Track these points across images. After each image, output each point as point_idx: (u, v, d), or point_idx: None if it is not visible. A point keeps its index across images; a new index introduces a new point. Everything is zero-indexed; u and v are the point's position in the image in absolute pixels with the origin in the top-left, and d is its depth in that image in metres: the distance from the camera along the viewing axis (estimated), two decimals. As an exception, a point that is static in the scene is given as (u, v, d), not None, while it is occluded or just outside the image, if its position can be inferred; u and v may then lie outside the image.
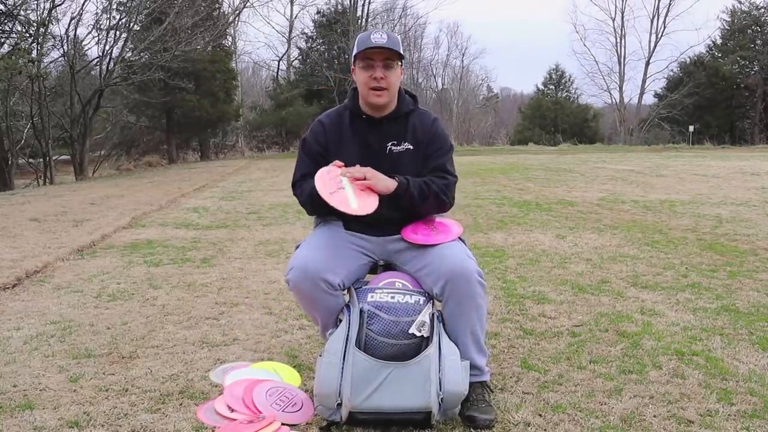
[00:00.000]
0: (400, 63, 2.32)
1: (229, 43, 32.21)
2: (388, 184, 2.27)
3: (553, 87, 40.18)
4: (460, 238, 2.37)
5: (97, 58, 20.19)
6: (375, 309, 2.17)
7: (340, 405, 2.09)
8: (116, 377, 2.59)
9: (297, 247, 2.36)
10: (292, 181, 2.46)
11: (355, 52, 2.30)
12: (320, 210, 2.36)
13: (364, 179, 2.23)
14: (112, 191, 11.28)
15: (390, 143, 2.37)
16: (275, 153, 29.89)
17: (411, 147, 2.38)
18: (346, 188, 2.23)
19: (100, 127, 24.42)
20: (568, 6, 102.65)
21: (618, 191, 9.72)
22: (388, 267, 2.41)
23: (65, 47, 19.03)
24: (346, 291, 2.30)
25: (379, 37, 2.27)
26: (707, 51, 36.18)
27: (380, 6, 48.48)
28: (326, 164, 2.33)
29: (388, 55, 2.28)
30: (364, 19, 35.41)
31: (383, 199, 2.26)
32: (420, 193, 2.30)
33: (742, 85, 34.27)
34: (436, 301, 2.28)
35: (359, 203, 2.20)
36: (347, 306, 2.24)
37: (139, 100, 23.95)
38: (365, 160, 2.33)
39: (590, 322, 3.26)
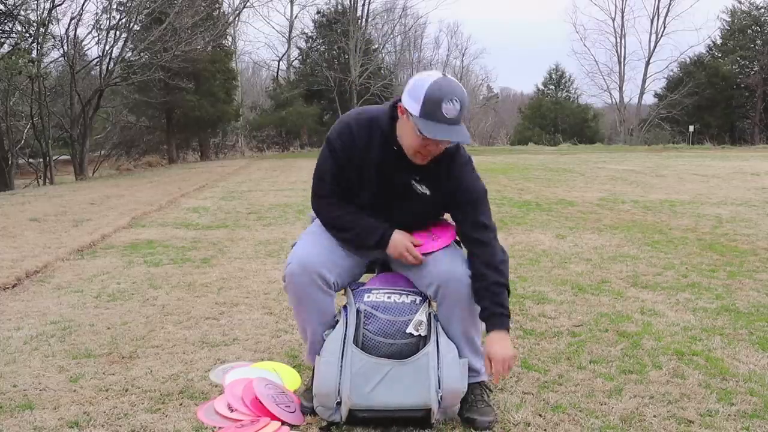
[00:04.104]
0: None
1: (229, 43, 32.22)
2: (510, 347, 2.13)
3: (553, 87, 40.18)
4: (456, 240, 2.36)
5: (97, 58, 20.20)
6: (371, 309, 2.17)
7: (339, 404, 2.09)
8: (116, 377, 2.59)
9: (293, 245, 2.32)
10: (318, 173, 2.26)
11: (416, 113, 1.99)
12: (329, 230, 2.29)
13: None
14: (112, 191, 11.28)
15: (414, 178, 2.19)
16: (275, 153, 29.91)
17: (428, 192, 2.21)
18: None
19: (100, 127, 24.44)
20: (568, 6, 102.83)
21: (618, 191, 9.72)
22: (385, 266, 2.41)
23: (65, 47, 19.04)
24: (342, 292, 2.30)
25: (452, 110, 1.96)
26: (707, 51, 36.21)
27: (380, 6, 48.54)
28: (347, 172, 2.19)
29: None
30: (364, 19, 35.42)
31: (402, 225, 2.24)
32: (507, 293, 2.18)
33: (742, 85, 34.28)
34: (432, 302, 2.27)
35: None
36: (344, 306, 2.24)
37: (139, 100, 23.97)
38: (384, 188, 2.20)
39: (590, 322, 3.26)
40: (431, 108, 1.97)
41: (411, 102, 2.01)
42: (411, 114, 2.01)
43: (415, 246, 2.23)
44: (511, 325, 2.20)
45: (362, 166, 2.19)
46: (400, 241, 2.21)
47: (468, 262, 2.21)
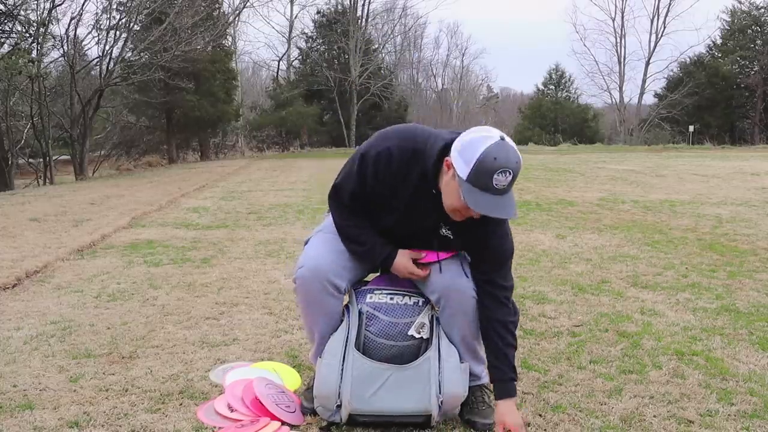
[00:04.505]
0: None
1: (229, 43, 32.22)
2: (519, 415, 2.10)
3: (553, 87, 40.20)
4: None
5: (97, 58, 20.20)
6: (374, 310, 2.17)
7: (339, 406, 2.09)
8: (116, 377, 2.59)
9: (306, 242, 2.27)
10: (339, 185, 2.14)
11: (465, 175, 1.83)
12: (341, 237, 2.22)
13: None
14: (112, 191, 11.28)
15: (444, 227, 2.10)
16: (275, 153, 29.91)
17: (451, 237, 2.11)
18: None
19: (100, 127, 24.42)
20: (568, 6, 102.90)
21: (618, 191, 9.72)
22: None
23: (65, 47, 19.04)
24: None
25: (503, 180, 1.82)
26: (707, 51, 36.22)
27: (380, 6, 48.54)
28: (372, 196, 2.07)
29: None
30: (364, 19, 35.44)
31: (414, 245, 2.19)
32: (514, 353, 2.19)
33: (742, 85, 34.28)
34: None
35: None
36: (346, 307, 2.23)
37: (139, 100, 23.96)
38: (405, 221, 2.11)
39: (590, 322, 3.26)
40: (482, 176, 1.82)
41: (460, 163, 1.85)
42: (458, 175, 1.86)
43: (418, 259, 2.17)
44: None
45: (391, 196, 2.06)
46: (402, 264, 2.15)
47: (478, 306, 2.15)
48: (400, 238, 2.18)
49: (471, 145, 1.85)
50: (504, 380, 2.12)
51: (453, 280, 2.13)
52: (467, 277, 2.15)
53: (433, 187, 2.00)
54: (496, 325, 2.14)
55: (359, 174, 2.06)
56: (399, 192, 2.05)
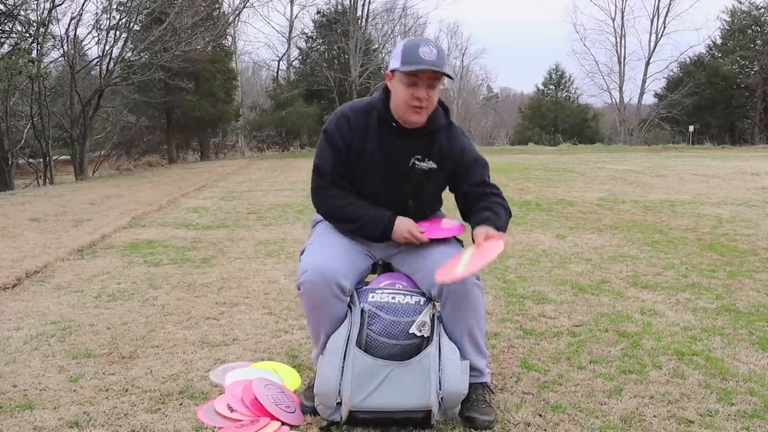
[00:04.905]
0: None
1: (229, 43, 32.22)
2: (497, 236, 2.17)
3: (553, 87, 40.20)
4: (457, 238, 2.36)
5: (97, 58, 20.21)
6: (376, 309, 2.17)
7: (339, 404, 2.09)
8: (116, 377, 2.59)
9: (302, 252, 2.30)
10: (319, 171, 2.29)
11: (399, 64, 2.12)
12: (332, 222, 2.34)
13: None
14: (112, 191, 11.28)
15: (415, 157, 2.25)
16: (275, 153, 29.91)
17: (435, 166, 2.27)
18: (462, 261, 2.14)
19: (100, 127, 24.43)
20: (568, 6, 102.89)
21: (618, 191, 9.72)
22: (387, 267, 2.41)
23: (65, 47, 19.04)
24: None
25: (428, 52, 2.08)
26: (707, 51, 36.22)
27: (380, 6, 48.52)
28: (347, 161, 2.23)
29: (437, 75, 2.13)
30: (364, 19, 35.42)
31: (398, 208, 2.27)
32: (506, 216, 2.28)
33: (742, 85, 34.28)
34: (436, 302, 2.27)
35: (465, 269, 2.11)
36: (348, 306, 2.23)
37: (139, 100, 23.97)
38: (386, 170, 2.25)
39: (590, 322, 3.26)
40: (410, 53, 2.10)
41: (394, 61, 2.15)
42: (395, 69, 2.14)
43: (420, 232, 2.27)
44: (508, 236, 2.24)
45: (363, 152, 2.22)
46: (403, 226, 2.25)
47: (474, 207, 2.28)
48: (390, 204, 2.28)
49: (395, 49, 2.19)
50: (487, 219, 2.22)
51: None
52: None
53: (392, 120, 2.23)
54: (494, 198, 2.29)
55: (329, 143, 2.26)
56: (367, 142, 2.24)
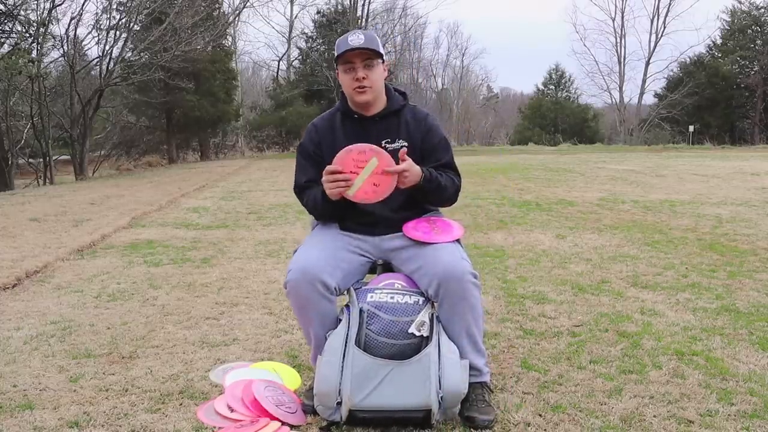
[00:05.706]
0: (381, 60, 2.30)
1: (229, 43, 32.23)
2: (417, 176, 2.24)
3: (553, 87, 40.21)
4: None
5: (97, 58, 20.21)
6: (374, 309, 2.18)
7: (339, 404, 2.09)
8: (116, 377, 2.59)
9: (295, 251, 2.34)
10: (295, 186, 2.44)
11: (336, 56, 2.31)
12: (327, 217, 2.39)
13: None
14: (112, 191, 11.28)
15: (384, 141, 2.35)
16: (275, 153, 29.91)
17: (406, 144, 2.36)
18: (362, 173, 2.20)
19: (100, 127, 24.43)
20: (568, 6, 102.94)
21: (618, 191, 9.72)
22: (387, 267, 2.41)
23: (65, 47, 19.04)
24: (345, 292, 2.30)
25: (356, 38, 2.27)
26: (707, 51, 36.22)
27: (380, 6, 48.55)
28: (323, 167, 2.29)
29: (368, 55, 2.28)
30: (364, 19, 35.41)
31: (393, 197, 2.28)
32: (444, 183, 2.33)
33: (742, 85, 34.28)
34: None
35: (360, 192, 2.19)
36: (347, 306, 2.24)
37: (139, 100, 23.96)
38: None
39: (590, 322, 3.26)
40: (341, 44, 2.29)
41: (335, 56, 2.33)
42: (336, 65, 2.34)
43: (417, 234, 2.32)
44: (425, 182, 2.28)
45: (334, 149, 2.29)
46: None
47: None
48: None
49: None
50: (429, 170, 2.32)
51: (450, 266, 2.19)
52: (466, 261, 2.23)
53: (353, 112, 2.39)
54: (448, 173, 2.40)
55: (302, 155, 2.44)
56: (337, 140, 2.36)
